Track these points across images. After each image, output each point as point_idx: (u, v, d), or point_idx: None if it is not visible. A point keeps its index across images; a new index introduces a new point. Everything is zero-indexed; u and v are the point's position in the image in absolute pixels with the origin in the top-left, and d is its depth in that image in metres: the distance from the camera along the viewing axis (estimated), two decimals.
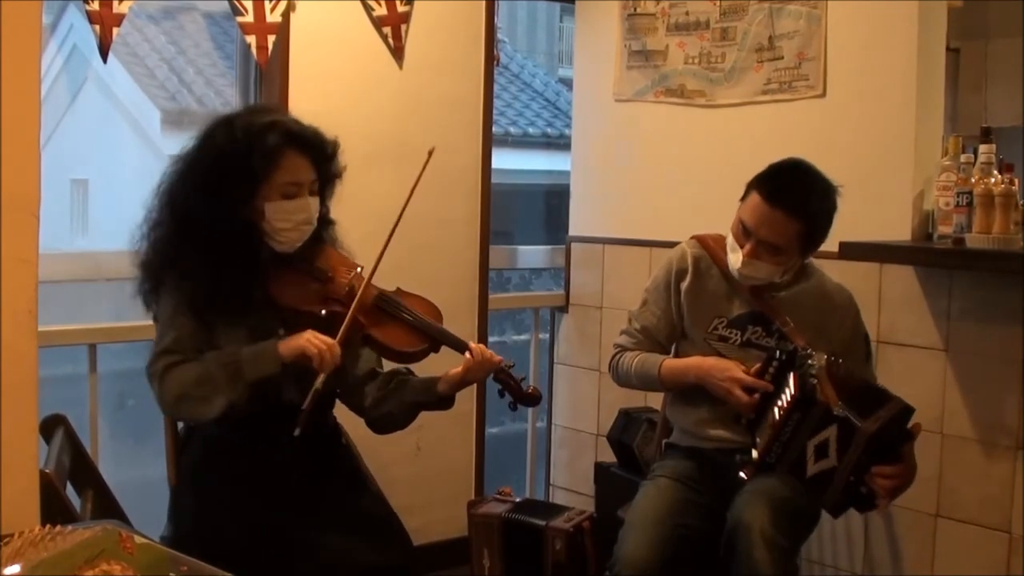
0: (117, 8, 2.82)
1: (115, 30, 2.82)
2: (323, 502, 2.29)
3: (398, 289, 2.45)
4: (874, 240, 2.86)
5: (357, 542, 2.22)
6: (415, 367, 2.48)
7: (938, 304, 2.88)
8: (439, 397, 2.41)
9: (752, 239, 2.47)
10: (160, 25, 5.14)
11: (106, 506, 2.45)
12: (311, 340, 2.19)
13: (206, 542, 2.07)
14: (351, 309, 2.27)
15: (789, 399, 2.38)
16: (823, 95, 3.13)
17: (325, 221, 2.46)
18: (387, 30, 3.38)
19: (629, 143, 3.70)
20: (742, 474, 2.44)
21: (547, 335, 4.10)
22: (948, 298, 2.86)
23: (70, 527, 1.53)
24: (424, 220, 3.27)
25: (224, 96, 4.67)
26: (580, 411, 3.92)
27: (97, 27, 2.80)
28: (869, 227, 2.88)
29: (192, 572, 1.54)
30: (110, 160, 5.10)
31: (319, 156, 2.34)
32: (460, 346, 2.37)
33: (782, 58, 3.21)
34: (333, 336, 2.23)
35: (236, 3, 3.04)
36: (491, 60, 3.67)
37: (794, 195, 2.46)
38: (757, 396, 2.43)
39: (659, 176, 3.60)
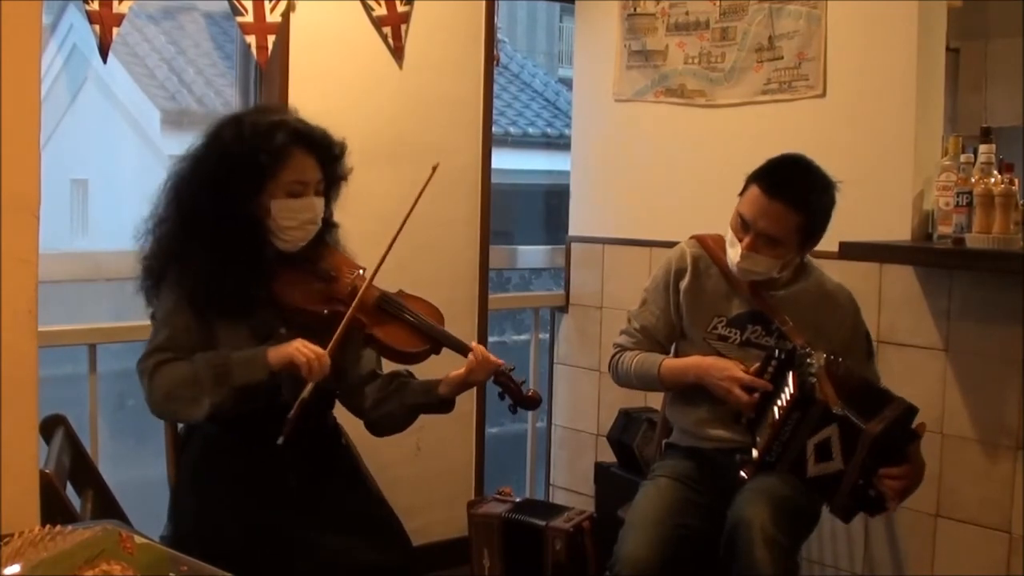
0: (117, 8, 2.82)
1: (115, 30, 2.82)
2: (323, 502, 2.29)
3: (400, 291, 2.45)
4: (874, 240, 2.86)
5: (357, 542, 2.21)
6: (415, 370, 2.48)
7: (938, 304, 2.88)
8: (440, 399, 2.41)
9: (751, 232, 2.48)
10: (160, 25, 5.14)
11: (106, 506, 2.45)
12: (300, 349, 2.18)
13: (206, 542, 2.07)
14: (352, 307, 2.27)
15: (788, 398, 2.38)
16: (823, 95, 3.13)
17: (329, 223, 2.46)
18: (387, 30, 3.38)
19: (629, 143, 3.70)
20: (742, 473, 2.44)
21: (547, 335, 4.10)
22: (948, 298, 2.86)
23: (70, 527, 1.53)
24: (424, 220, 3.26)
25: (224, 96, 4.67)
26: (580, 411, 3.92)
27: (97, 27, 2.80)
28: (869, 227, 2.88)
29: (192, 572, 1.54)
30: (110, 160, 5.10)
31: (326, 157, 2.36)
32: (461, 348, 2.38)
33: (782, 58, 3.21)
34: (334, 336, 2.24)
35: (236, 3, 3.04)
36: (491, 60, 3.67)
37: (793, 187, 2.46)
38: (757, 395, 2.43)
39: (659, 176, 3.60)
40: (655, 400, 3.12)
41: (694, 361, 2.58)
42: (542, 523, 2.96)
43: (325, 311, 2.31)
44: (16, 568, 1.38)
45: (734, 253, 2.52)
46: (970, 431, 2.83)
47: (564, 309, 3.99)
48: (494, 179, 3.71)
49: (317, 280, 2.36)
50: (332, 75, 3.30)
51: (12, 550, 1.42)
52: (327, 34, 3.28)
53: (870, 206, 2.91)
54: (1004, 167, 2.69)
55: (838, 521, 2.58)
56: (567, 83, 6.62)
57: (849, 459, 2.36)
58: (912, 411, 2.41)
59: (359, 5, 3.34)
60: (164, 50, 5.18)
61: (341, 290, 2.35)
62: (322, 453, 2.39)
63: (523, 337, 4.63)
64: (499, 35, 4.01)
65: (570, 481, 3.97)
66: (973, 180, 2.69)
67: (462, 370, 2.37)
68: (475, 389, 3.50)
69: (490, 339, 3.79)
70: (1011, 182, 2.62)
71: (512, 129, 6.95)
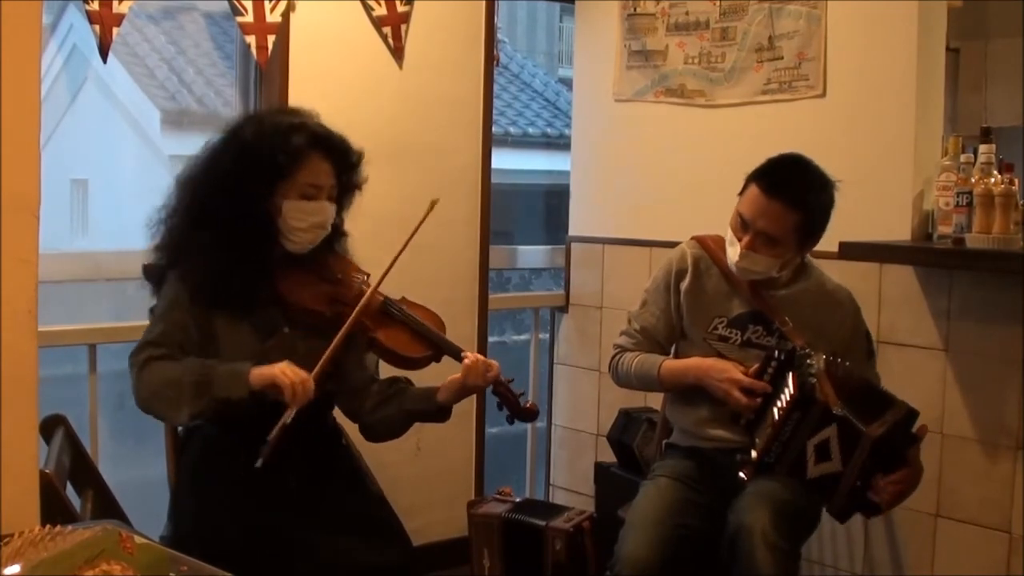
0: (117, 8, 2.82)
1: (115, 30, 2.82)
2: (323, 503, 2.29)
3: (403, 298, 2.47)
4: (874, 240, 2.86)
5: (357, 542, 2.22)
6: (414, 379, 2.49)
7: (938, 304, 2.88)
8: (438, 406, 2.41)
9: (750, 231, 2.48)
10: (160, 25, 5.13)
11: (106, 506, 2.45)
12: (285, 371, 2.17)
13: (206, 542, 2.07)
14: (356, 310, 2.29)
15: (788, 399, 2.38)
16: (823, 95, 3.13)
17: (339, 232, 2.48)
18: (387, 30, 3.38)
19: (629, 143, 3.70)
20: (741, 475, 2.44)
21: (547, 335, 4.10)
22: (948, 298, 2.86)
23: (70, 527, 1.53)
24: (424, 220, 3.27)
25: (224, 96, 4.67)
26: (580, 411, 3.92)
27: (97, 27, 2.80)
28: (869, 227, 2.88)
29: (192, 572, 1.54)
30: (110, 160, 5.10)
31: (342, 163, 2.38)
32: (458, 354, 2.39)
33: (782, 58, 3.21)
34: (335, 337, 2.24)
35: (236, 3, 3.05)
36: (491, 60, 3.67)
37: (792, 187, 2.46)
38: (758, 401, 2.43)
39: (659, 176, 3.60)
40: (655, 400, 3.12)
41: (694, 363, 2.58)
42: (542, 523, 2.96)
43: (330, 312, 2.32)
44: (16, 568, 1.38)
45: (733, 252, 2.52)
46: (970, 431, 2.83)
47: (564, 309, 3.99)
48: (494, 179, 3.71)
49: (323, 282, 2.38)
50: (332, 75, 3.30)
51: (12, 550, 1.42)
52: (327, 34, 3.28)
53: (870, 206, 2.91)
54: (1004, 167, 2.69)
55: (837, 521, 2.58)
56: (567, 83, 6.61)
57: (848, 461, 2.36)
58: (913, 415, 2.41)
59: (359, 5, 3.34)
60: (164, 50, 5.17)
61: (346, 293, 2.37)
62: (322, 454, 2.39)
63: (523, 337, 4.63)
64: (499, 35, 4.01)
65: (570, 481, 3.97)
66: (973, 180, 2.69)
67: (459, 374, 2.38)
68: None
69: (490, 339, 3.80)
70: (1011, 182, 2.62)
71: (512, 129, 6.95)
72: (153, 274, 2.41)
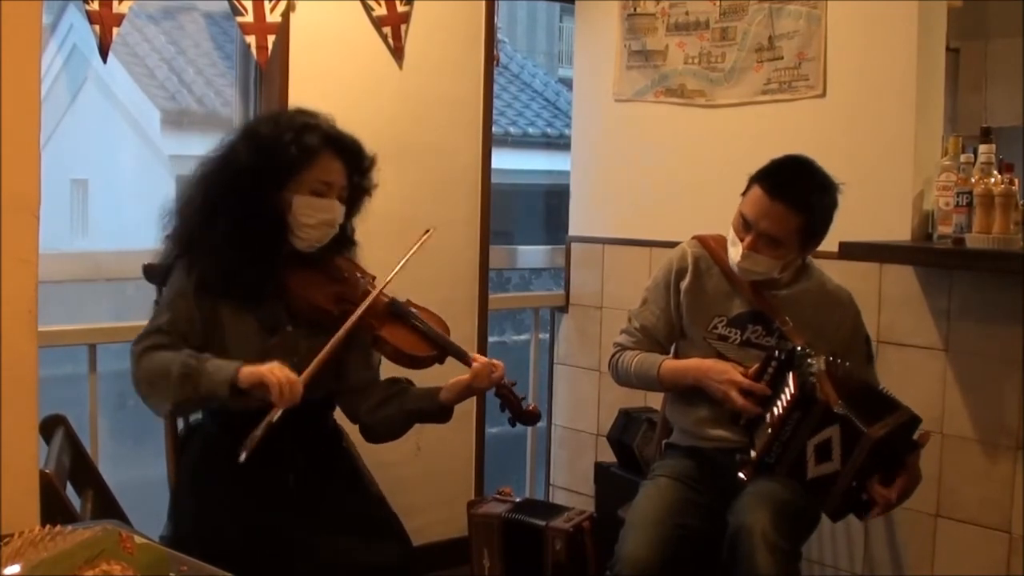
0: (117, 8, 2.82)
1: (115, 30, 2.82)
2: (323, 503, 2.29)
3: (408, 300, 2.48)
4: (874, 240, 2.85)
5: (357, 542, 2.22)
6: (416, 381, 2.49)
7: (938, 304, 2.88)
8: (440, 406, 2.42)
9: (752, 232, 2.48)
10: (160, 25, 5.13)
11: (106, 506, 2.45)
12: (274, 371, 2.16)
13: (206, 542, 2.07)
14: (361, 307, 2.31)
15: (788, 399, 2.38)
16: (823, 95, 3.13)
17: (348, 239, 2.50)
18: (387, 30, 3.38)
19: (629, 143, 3.70)
20: (741, 475, 2.44)
21: (547, 335, 4.10)
22: (948, 298, 2.86)
23: (70, 527, 1.53)
24: (424, 220, 3.27)
25: (224, 96, 4.66)
26: (580, 411, 3.92)
27: (97, 27, 2.80)
28: (869, 227, 2.87)
29: (192, 572, 1.54)
30: (110, 160, 5.10)
31: (354, 165, 2.40)
32: (465, 357, 2.40)
33: (782, 58, 3.21)
34: (334, 338, 2.24)
35: (236, 3, 3.05)
36: (491, 60, 3.67)
37: (795, 189, 2.46)
38: (757, 408, 2.43)
39: (659, 176, 3.60)
40: (655, 400, 3.12)
41: (693, 363, 2.58)
42: (542, 523, 2.96)
43: (337, 311, 2.34)
44: (16, 568, 1.38)
45: (735, 252, 2.52)
46: (970, 431, 2.83)
47: (564, 309, 3.99)
48: (494, 179, 3.71)
49: (330, 280, 2.40)
50: (332, 75, 3.30)
51: (12, 550, 1.42)
52: (327, 34, 3.28)
53: (870, 206, 2.91)
54: (1004, 167, 2.69)
55: (839, 522, 2.58)
56: (567, 83, 6.61)
57: (846, 461, 2.35)
58: (915, 421, 2.40)
59: (359, 5, 3.33)
60: (164, 50, 5.17)
61: (353, 291, 2.39)
62: (322, 454, 2.40)
63: (523, 337, 4.63)
64: (499, 35, 4.01)
65: (570, 481, 3.97)
66: (973, 180, 2.69)
67: (466, 376, 2.39)
68: None
69: (490, 339, 3.79)
70: (1011, 182, 2.62)
71: (512, 129, 6.95)
72: (154, 274, 2.42)
